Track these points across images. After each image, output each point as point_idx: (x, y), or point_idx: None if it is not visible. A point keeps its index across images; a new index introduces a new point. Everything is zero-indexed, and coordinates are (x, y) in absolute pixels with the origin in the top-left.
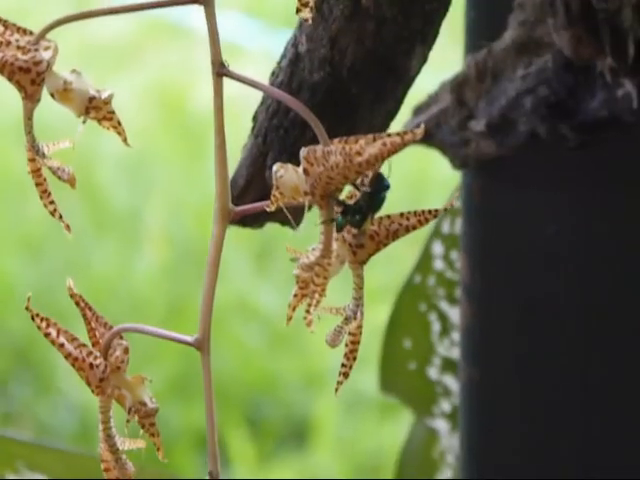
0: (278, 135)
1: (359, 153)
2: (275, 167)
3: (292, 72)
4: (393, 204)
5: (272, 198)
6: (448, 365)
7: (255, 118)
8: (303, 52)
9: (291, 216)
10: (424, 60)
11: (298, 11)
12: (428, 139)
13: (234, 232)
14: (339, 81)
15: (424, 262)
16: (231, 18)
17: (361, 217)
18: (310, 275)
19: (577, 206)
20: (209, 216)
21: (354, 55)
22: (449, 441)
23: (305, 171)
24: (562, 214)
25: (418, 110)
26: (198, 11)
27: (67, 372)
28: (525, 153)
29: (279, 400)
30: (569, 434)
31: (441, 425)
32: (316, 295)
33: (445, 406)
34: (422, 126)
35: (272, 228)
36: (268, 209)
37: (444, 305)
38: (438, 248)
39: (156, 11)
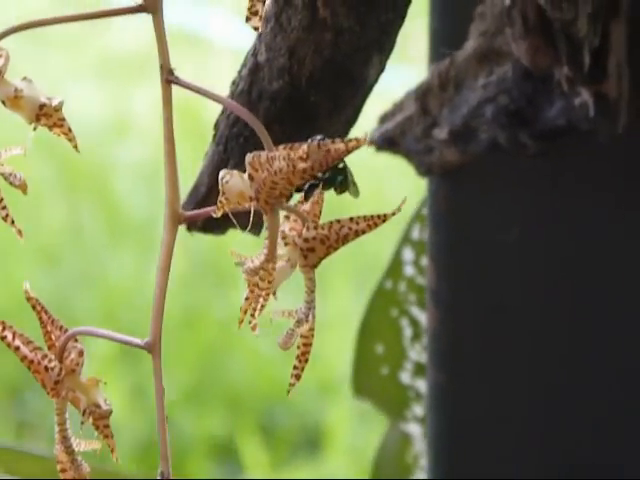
0: (238, 143)
1: (302, 159)
2: (221, 173)
3: (252, 81)
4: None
5: (218, 204)
6: (420, 370)
7: (216, 126)
8: (262, 61)
9: (253, 221)
10: (382, 69)
11: (247, 20)
12: (393, 147)
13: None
14: (298, 90)
15: (395, 268)
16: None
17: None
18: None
19: (540, 211)
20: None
21: (312, 65)
22: (422, 445)
23: (250, 177)
24: (525, 220)
25: (384, 118)
26: (215, 21)
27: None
28: (489, 160)
29: (293, 408)
30: (535, 436)
31: (414, 429)
32: (261, 299)
33: (418, 410)
34: (366, 134)
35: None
36: (214, 215)
37: (415, 310)
38: (408, 254)
39: (173, 21)
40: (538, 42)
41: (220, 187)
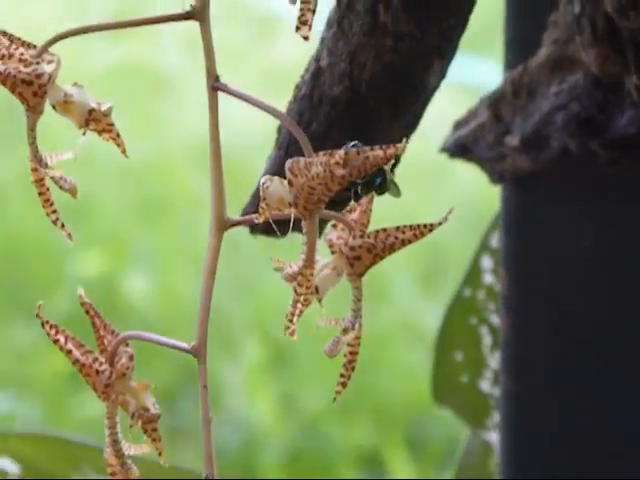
0: (298, 147)
1: (338, 164)
2: (263, 179)
3: (314, 86)
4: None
5: (260, 210)
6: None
7: (279, 130)
8: (324, 66)
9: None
10: (442, 75)
11: (297, 29)
12: (466, 154)
13: (401, 253)
14: (358, 95)
15: (473, 276)
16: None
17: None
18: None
19: (612, 221)
20: None
21: (373, 70)
22: None
23: (289, 182)
24: (597, 227)
25: (458, 125)
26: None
27: (233, 389)
28: (561, 168)
29: (439, 420)
30: (606, 443)
31: (495, 438)
32: (299, 304)
33: (498, 419)
34: (404, 141)
35: (437, 248)
36: (256, 220)
37: (495, 319)
38: (487, 262)
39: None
40: (607, 50)
41: (261, 193)
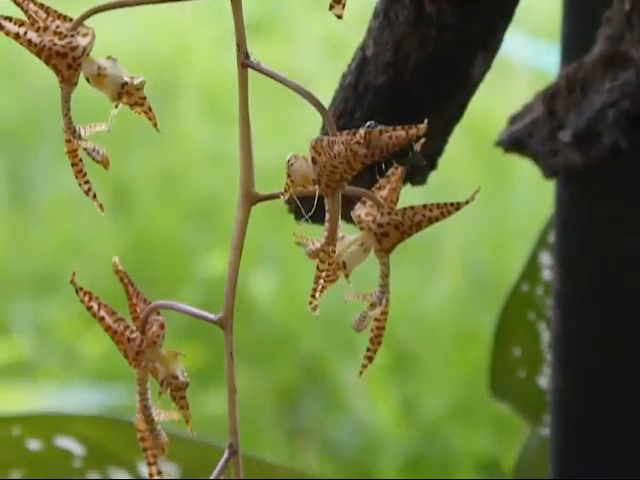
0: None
1: (359, 143)
2: (288, 156)
3: (359, 75)
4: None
5: (285, 186)
6: None
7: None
8: (370, 56)
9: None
10: (487, 67)
11: (331, 7)
12: (521, 148)
13: None
14: (402, 85)
15: (531, 272)
16: None
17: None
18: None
19: None
20: (507, 246)
21: (417, 60)
22: None
23: (313, 160)
24: None
25: (513, 119)
26: (516, 41)
27: (355, 391)
28: (615, 165)
29: None
30: None
31: None
32: (321, 280)
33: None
34: (425, 122)
35: None
36: (282, 197)
37: None
38: (546, 258)
39: None
40: None
41: (286, 170)
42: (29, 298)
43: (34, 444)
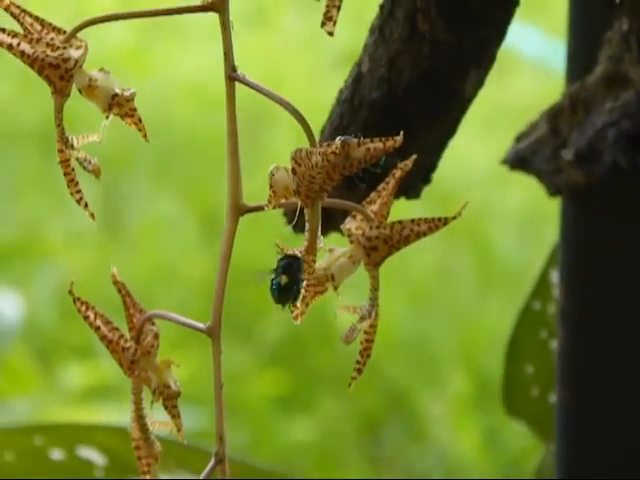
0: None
1: (334, 153)
2: (271, 168)
3: (355, 90)
4: None
5: (268, 197)
6: None
7: (322, 132)
8: (365, 71)
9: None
10: (480, 83)
11: (323, 24)
12: (525, 166)
13: None
14: (396, 100)
15: (542, 290)
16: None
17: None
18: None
19: None
20: None
21: (410, 76)
22: None
23: (293, 170)
24: None
25: (519, 138)
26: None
27: (438, 420)
28: (617, 183)
29: None
30: None
31: None
32: (302, 290)
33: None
34: (401, 134)
35: None
36: (266, 208)
37: None
38: (557, 277)
39: None
40: None
41: (268, 181)
42: (117, 322)
43: (57, 454)
